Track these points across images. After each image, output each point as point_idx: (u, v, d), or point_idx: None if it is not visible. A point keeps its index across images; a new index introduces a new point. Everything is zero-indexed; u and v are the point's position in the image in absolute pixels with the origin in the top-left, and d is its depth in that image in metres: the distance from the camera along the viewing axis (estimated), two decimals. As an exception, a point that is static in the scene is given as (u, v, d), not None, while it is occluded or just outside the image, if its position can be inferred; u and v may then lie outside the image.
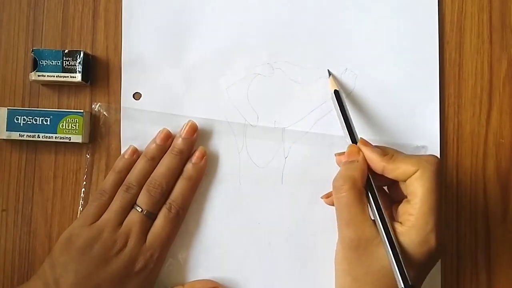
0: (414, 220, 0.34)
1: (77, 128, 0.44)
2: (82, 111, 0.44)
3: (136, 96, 0.45)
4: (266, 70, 0.44)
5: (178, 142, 0.42)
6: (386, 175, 0.36)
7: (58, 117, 0.44)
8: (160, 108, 0.45)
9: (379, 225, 0.34)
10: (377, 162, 0.36)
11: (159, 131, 0.43)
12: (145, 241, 0.40)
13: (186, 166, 0.43)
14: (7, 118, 0.44)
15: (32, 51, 0.44)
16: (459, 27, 0.45)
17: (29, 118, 0.44)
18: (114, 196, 0.41)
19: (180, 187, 0.42)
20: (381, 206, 0.35)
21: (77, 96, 0.46)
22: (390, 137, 0.44)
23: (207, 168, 0.44)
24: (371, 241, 0.34)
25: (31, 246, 0.45)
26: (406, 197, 0.36)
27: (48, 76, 0.44)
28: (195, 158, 0.43)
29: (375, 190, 0.36)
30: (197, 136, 0.43)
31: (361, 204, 0.35)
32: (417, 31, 0.44)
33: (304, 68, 0.44)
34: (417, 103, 0.44)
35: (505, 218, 0.44)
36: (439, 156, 0.43)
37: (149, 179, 0.42)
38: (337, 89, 0.41)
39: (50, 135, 0.44)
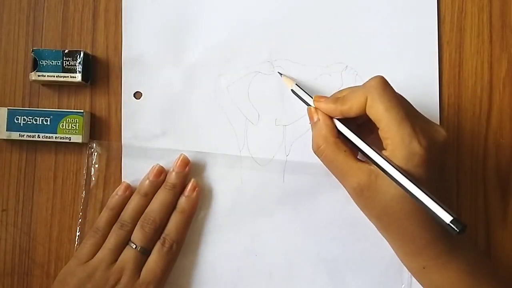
0: (390, 142, 0.34)
1: (77, 128, 0.44)
2: (82, 111, 0.44)
3: (137, 95, 0.45)
4: (267, 68, 0.44)
5: (171, 177, 0.43)
6: (348, 117, 0.37)
7: (58, 117, 0.44)
8: (161, 107, 0.45)
9: (374, 158, 0.35)
10: (333, 111, 0.37)
11: (152, 168, 0.43)
12: (139, 277, 0.40)
13: (179, 200, 0.43)
14: (7, 118, 0.44)
15: (32, 51, 0.44)
16: (459, 27, 0.45)
17: (29, 118, 0.44)
18: (108, 234, 0.42)
19: (174, 221, 0.42)
20: (363, 140, 0.36)
21: (77, 96, 0.46)
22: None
23: (208, 169, 0.44)
24: (370, 180, 0.35)
25: (31, 246, 0.45)
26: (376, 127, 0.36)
27: (48, 76, 0.44)
28: (187, 191, 0.43)
29: (350, 130, 0.37)
30: (189, 170, 0.44)
31: (342, 152, 0.36)
32: (416, 30, 0.44)
33: (305, 65, 0.44)
34: (417, 102, 0.44)
35: (505, 218, 0.44)
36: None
37: (143, 215, 0.42)
38: (293, 85, 0.42)
39: (50, 135, 0.44)
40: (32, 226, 0.45)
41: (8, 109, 0.44)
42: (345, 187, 0.37)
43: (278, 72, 0.44)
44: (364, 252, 0.43)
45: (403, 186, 0.33)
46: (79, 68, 0.44)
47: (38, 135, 0.44)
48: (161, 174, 0.43)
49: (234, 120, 0.44)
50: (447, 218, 0.31)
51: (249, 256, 0.44)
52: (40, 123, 0.44)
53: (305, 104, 0.41)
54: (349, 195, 0.37)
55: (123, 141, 0.45)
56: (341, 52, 0.44)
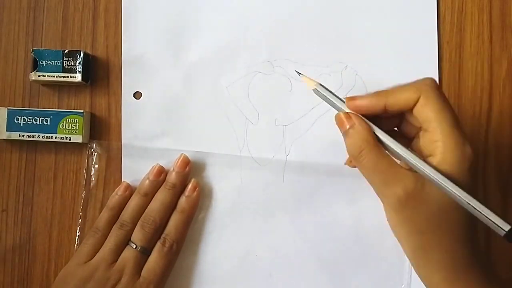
0: (442, 144, 0.32)
1: (77, 128, 0.44)
2: (82, 111, 0.44)
3: (137, 95, 0.45)
4: (267, 68, 0.44)
5: (172, 177, 0.43)
6: (391, 111, 0.34)
7: (58, 117, 0.44)
8: (161, 107, 0.45)
9: (421, 167, 0.32)
10: (376, 104, 0.34)
11: (152, 167, 0.43)
12: (139, 277, 0.40)
13: (180, 200, 0.43)
14: (7, 118, 0.44)
15: (32, 51, 0.44)
16: (459, 27, 0.45)
17: (29, 118, 0.44)
18: (108, 234, 0.42)
19: (174, 220, 0.42)
20: (406, 148, 0.33)
21: (77, 96, 0.46)
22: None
23: (208, 169, 0.44)
24: (417, 188, 0.32)
25: (31, 246, 0.45)
26: (419, 130, 0.34)
27: (48, 76, 0.44)
28: (187, 191, 0.43)
29: (388, 136, 0.34)
30: (189, 170, 0.44)
31: (386, 157, 0.33)
32: (416, 30, 0.44)
33: (305, 65, 0.44)
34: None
35: (505, 218, 0.44)
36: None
37: (143, 215, 0.42)
38: (317, 84, 0.38)
39: (50, 135, 0.44)
40: (32, 226, 0.45)
41: (8, 109, 0.44)
42: (384, 196, 0.33)
43: (296, 71, 0.40)
44: (364, 252, 0.43)
45: (456, 194, 0.31)
46: (79, 68, 0.44)
47: (38, 135, 0.44)
48: (161, 174, 0.43)
49: (234, 120, 0.44)
50: (505, 227, 0.29)
51: (249, 256, 0.44)
52: (40, 123, 0.44)
53: (330, 105, 0.37)
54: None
55: (123, 141, 0.45)
56: (341, 52, 0.44)
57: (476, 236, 0.33)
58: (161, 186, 0.43)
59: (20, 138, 0.44)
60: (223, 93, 0.45)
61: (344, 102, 0.35)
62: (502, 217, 0.30)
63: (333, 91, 0.37)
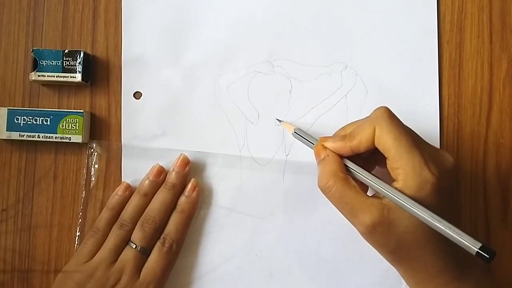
0: (402, 171, 0.33)
1: (77, 128, 0.44)
2: (82, 111, 0.44)
3: (137, 95, 0.45)
4: (266, 68, 0.44)
5: (171, 177, 0.43)
6: (358, 153, 0.36)
7: (58, 117, 0.44)
8: (161, 107, 0.45)
9: (387, 192, 0.34)
10: (342, 148, 0.36)
11: (152, 167, 0.43)
12: (139, 277, 0.40)
13: (180, 200, 0.43)
14: (7, 118, 0.44)
15: (32, 51, 0.44)
16: (459, 27, 0.45)
17: (29, 118, 0.44)
18: (108, 234, 0.42)
19: (173, 220, 0.42)
20: (374, 175, 0.35)
21: (77, 96, 0.46)
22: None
23: (208, 169, 0.44)
24: (383, 215, 0.34)
25: (31, 246, 0.45)
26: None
27: (48, 76, 0.44)
28: (187, 191, 0.43)
29: (359, 166, 0.36)
30: (189, 170, 0.44)
31: (352, 188, 0.35)
32: (416, 30, 0.44)
33: (304, 65, 0.44)
34: (417, 102, 0.44)
35: (505, 218, 0.44)
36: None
37: (143, 215, 0.42)
38: (295, 128, 0.42)
39: (50, 135, 0.44)
40: (32, 226, 0.45)
41: (8, 109, 0.44)
42: (354, 224, 0.35)
43: (277, 119, 0.44)
44: (364, 252, 0.43)
45: (425, 218, 0.32)
46: (79, 68, 0.44)
47: (38, 135, 0.44)
48: (161, 174, 0.43)
49: (234, 120, 0.44)
50: (476, 245, 0.30)
51: (249, 256, 0.44)
52: (40, 123, 0.44)
53: (309, 147, 0.40)
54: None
55: (123, 141, 0.45)
56: (341, 52, 0.44)
57: (455, 247, 0.33)
58: (161, 186, 0.43)
59: (20, 138, 0.44)
60: (223, 93, 0.45)
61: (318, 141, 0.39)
62: (472, 236, 0.31)
63: (309, 134, 0.41)
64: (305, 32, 0.45)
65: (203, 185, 0.44)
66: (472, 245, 0.30)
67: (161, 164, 0.43)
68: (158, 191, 0.43)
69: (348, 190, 0.35)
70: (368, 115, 0.36)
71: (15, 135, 0.44)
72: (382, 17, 0.44)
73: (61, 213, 0.45)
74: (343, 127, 0.39)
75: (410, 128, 0.36)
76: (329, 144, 0.37)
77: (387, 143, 0.34)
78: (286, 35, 0.45)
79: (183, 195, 0.43)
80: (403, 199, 0.33)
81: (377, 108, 0.36)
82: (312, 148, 0.39)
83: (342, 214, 0.36)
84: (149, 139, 0.44)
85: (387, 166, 0.35)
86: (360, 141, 0.35)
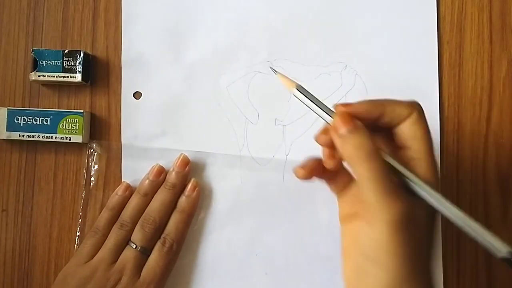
0: (424, 163, 0.31)
1: (77, 128, 0.44)
2: (82, 111, 0.44)
3: (137, 95, 0.45)
4: (266, 68, 0.44)
5: (171, 177, 0.43)
6: (382, 122, 0.32)
7: (58, 117, 0.44)
8: (160, 107, 0.45)
9: (425, 193, 0.30)
10: (373, 111, 0.31)
11: (152, 167, 0.43)
12: (139, 277, 0.40)
13: (180, 200, 0.43)
14: (7, 118, 0.44)
15: (32, 51, 0.44)
16: (459, 27, 0.45)
17: (29, 118, 0.44)
18: (108, 234, 0.42)
19: (174, 220, 0.42)
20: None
21: (77, 96, 0.46)
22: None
23: (207, 169, 0.44)
24: (414, 210, 0.29)
25: (31, 246, 0.45)
26: (395, 147, 0.32)
27: (48, 76, 0.44)
28: (187, 190, 0.43)
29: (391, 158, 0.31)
30: (189, 170, 0.44)
31: (391, 175, 0.30)
32: (416, 30, 0.44)
33: (304, 65, 0.44)
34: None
35: (505, 218, 0.44)
36: (439, 158, 0.43)
37: (143, 215, 0.42)
38: (297, 85, 0.35)
39: (50, 135, 0.44)
40: (32, 226, 0.45)
41: (8, 109, 0.44)
42: (382, 211, 0.29)
43: (270, 67, 0.39)
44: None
45: (460, 216, 0.30)
46: (79, 68, 0.44)
47: (38, 135, 0.44)
48: (161, 174, 0.43)
49: (233, 120, 0.44)
50: (504, 248, 0.28)
51: (249, 255, 0.44)
52: (40, 123, 0.44)
53: (317, 113, 0.34)
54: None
55: (123, 141, 0.45)
56: (340, 51, 0.44)
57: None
58: (161, 186, 0.43)
59: (20, 138, 0.44)
60: (223, 93, 0.45)
61: (328, 108, 0.33)
62: (502, 240, 0.28)
63: (312, 94, 0.34)
64: (305, 32, 0.45)
65: (203, 185, 0.44)
66: (501, 248, 0.28)
67: (161, 164, 0.43)
68: (158, 191, 0.43)
69: (387, 169, 0.30)
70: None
71: (15, 135, 0.44)
72: (382, 17, 0.44)
73: (61, 213, 0.45)
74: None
75: None
76: (355, 107, 0.31)
77: (419, 132, 0.31)
78: (286, 35, 0.45)
79: (183, 195, 0.43)
80: (436, 195, 0.30)
81: (411, 100, 0.32)
82: (321, 113, 0.33)
83: (369, 195, 0.29)
84: (149, 139, 0.45)
85: (398, 156, 0.32)
86: (393, 112, 0.31)
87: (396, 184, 0.30)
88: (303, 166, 0.35)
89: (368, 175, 0.29)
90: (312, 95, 0.33)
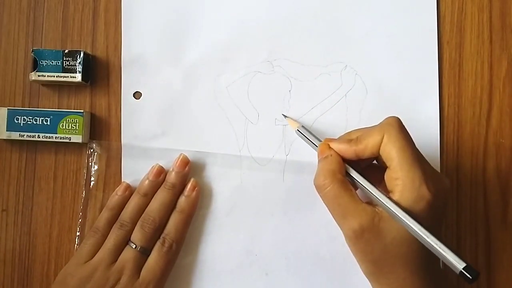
0: (401, 182, 0.34)
1: (77, 128, 0.44)
2: (82, 111, 0.44)
3: (136, 95, 0.45)
4: (266, 68, 0.44)
5: (171, 177, 0.43)
6: (361, 158, 0.36)
7: (58, 117, 0.44)
8: (160, 107, 0.45)
9: (383, 202, 0.34)
10: (347, 151, 0.36)
11: (151, 167, 0.43)
12: (139, 277, 0.40)
13: (179, 200, 0.43)
14: (7, 118, 0.44)
15: (32, 51, 0.44)
16: (459, 27, 0.45)
17: (29, 118, 0.44)
18: (108, 234, 0.42)
19: (173, 220, 0.42)
20: (371, 184, 0.35)
21: (77, 96, 0.46)
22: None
23: (207, 169, 0.44)
24: (373, 223, 0.34)
25: (31, 246, 0.45)
26: (386, 168, 0.36)
27: (48, 76, 0.44)
28: (187, 190, 0.43)
29: (358, 173, 0.36)
30: (189, 170, 0.44)
31: (348, 191, 0.35)
32: (416, 30, 0.44)
33: (304, 65, 0.44)
34: (416, 102, 0.44)
35: (505, 218, 0.44)
36: (439, 158, 0.43)
37: (142, 215, 0.42)
38: (299, 126, 0.42)
39: (50, 135, 0.44)
40: (32, 226, 0.45)
41: (8, 109, 0.44)
42: (342, 227, 0.36)
43: (283, 114, 0.44)
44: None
45: (415, 231, 0.32)
46: (79, 68, 0.44)
47: (38, 135, 0.44)
48: (160, 174, 0.43)
49: (233, 120, 0.44)
50: (460, 265, 0.30)
51: (248, 255, 0.44)
52: (40, 123, 0.44)
53: (311, 146, 0.41)
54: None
55: (123, 141, 0.45)
56: (340, 51, 0.44)
57: (435, 269, 0.34)
58: (160, 186, 0.43)
59: (20, 138, 0.44)
60: (223, 93, 0.45)
61: (319, 141, 0.39)
62: (458, 255, 0.31)
63: (313, 133, 0.41)
64: (304, 32, 0.45)
65: (203, 185, 0.44)
66: (456, 264, 0.31)
67: (161, 164, 0.43)
68: (158, 191, 0.43)
69: (343, 192, 0.35)
70: (378, 123, 0.37)
71: (15, 135, 0.44)
72: (382, 17, 0.44)
73: (61, 213, 0.45)
74: (348, 132, 0.39)
75: (415, 144, 0.36)
76: (334, 145, 0.37)
77: (392, 152, 0.34)
78: (286, 35, 0.45)
79: (183, 195, 0.43)
80: (396, 209, 0.33)
81: (388, 117, 0.36)
82: (315, 148, 0.39)
83: (332, 215, 0.36)
84: (149, 139, 0.44)
85: (386, 176, 0.35)
86: (366, 146, 0.35)
87: (352, 203, 0.35)
88: None
89: (323, 200, 0.36)
90: (308, 135, 0.41)
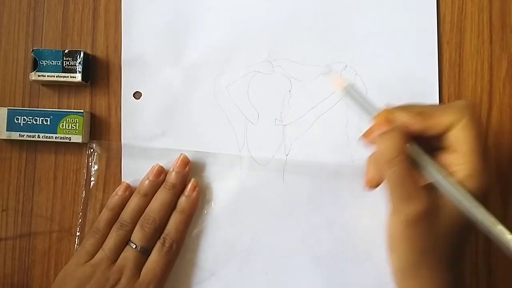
0: (468, 167, 0.32)
1: (77, 128, 0.44)
2: (82, 111, 0.44)
3: (136, 95, 0.45)
4: (266, 68, 0.44)
5: (171, 177, 0.43)
6: (426, 134, 0.33)
7: (58, 117, 0.44)
8: (160, 107, 0.45)
9: (450, 190, 0.32)
10: (414, 124, 0.33)
11: (152, 167, 0.43)
12: (139, 277, 0.40)
13: (179, 200, 0.43)
14: (7, 118, 0.44)
15: (32, 51, 0.44)
16: (459, 27, 0.45)
17: (29, 118, 0.44)
18: (108, 234, 0.42)
19: (173, 220, 0.42)
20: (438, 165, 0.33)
21: (77, 96, 0.46)
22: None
23: (207, 169, 0.44)
24: (433, 208, 0.32)
25: (31, 246, 0.45)
26: (441, 146, 0.34)
27: (48, 76, 0.44)
28: (187, 190, 0.43)
29: (426, 155, 0.33)
30: (189, 170, 0.44)
31: (412, 173, 0.33)
32: (416, 30, 0.44)
33: (304, 65, 0.44)
34: (416, 102, 0.44)
35: (505, 218, 0.44)
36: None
37: (143, 215, 0.42)
38: (348, 84, 0.36)
39: (50, 135, 0.44)
40: (32, 226, 0.45)
41: (8, 109, 0.44)
42: (398, 211, 0.33)
43: (328, 66, 0.41)
44: (363, 252, 0.43)
45: (480, 216, 0.31)
46: (79, 68, 0.44)
47: (38, 135, 0.44)
48: (160, 174, 0.43)
49: (233, 120, 0.44)
50: None
51: (248, 255, 0.44)
52: (40, 123, 0.44)
53: (363, 113, 0.35)
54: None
55: (123, 141, 0.45)
56: (340, 51, 0.44)
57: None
58: (161, 186, 0.43)
59: (20, 138, 0.44)
60: (223, 93, 0.45)
61: (375, 108, 0.35)
62: None
63: (364, 97, 0.35)
64: (304, 32, 0.45)
65: (203, 185, 0.44)
66: None
67: (161, 164, 0.43)
68: (158, 191, 0.43)
69: (410, 172, 0.32)
70: (449, 103, 0.34)
71: (15, 135, 0.44)
72: (382, 16, 0.44)
73: (61, 213, 0.45)
74: (405, 105, 0.34)
75: None
76: (401, 116, 0.33)
77: (468, 137, 0.32)
78: (286, 35, 0.45)
79: (183, 195, 0.43)
80: (463, 194, 0.31)
81: (463, 101, 0.34)
82: (369, 115, 0.35)
83: (391, 196, 0.33)
84: (149, 139, 0.45)
85: (448, 159, 0.33)
86: (438, 123, 0.33)
87: (415, 185, 0.32)
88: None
89: (388, 178, 0.33)
90: (361, 96, 0.35)
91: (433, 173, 0.33)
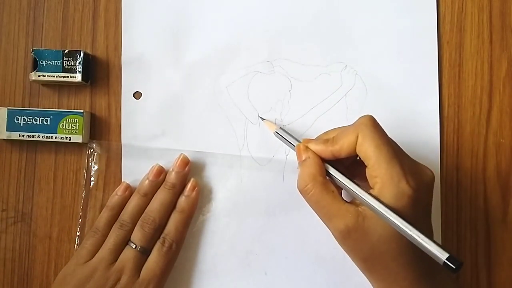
0: (380, 180, 0.34)
1: (77, 128, 0.44)
2: (82, 111, 0.44)
3: (136, 95, 0.45)
4: (266, 68, 0.44)
5: (171, 177, 0.43)
6: (339, 158, 0.36)
7: (58, 117, 0.44)
8: (160, 107, 0.45)
9: (363, 198, 0.34)
10: (324, 151, 0.37)
11: (151, 167, 0.43)
12: (139, 277, 0.40)
13: (179, 200, 0.43)
14: (7, 118, 0.44)
15: (32, 51, 0.44)
16: (459, 27, 0.45)
17: (29, 118, 0.44)
18: (108, 234, 0.42)
19: (173, 220, 0.42)
20: (353, 181, 0.35)
21: (77, 96, 0.46)
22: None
23: (207, 169, 0.44)
24: (358, 222, 0.34)
25: (31, 246, 0.45)
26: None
27: (48, 76, 0.44)
28: (187, 190, 0.43)
29: (338, 171, 0.36)
30: (189, 170, 0.44)
31: (330, 193, 0.35)
32: (416, 30, 0.44)
33: (304, 65, 0.44)
34: (417, 102, 0.44)
35: (505, 218, 0.44)
36: (439, 158, 0.43)
37: (142, 215, 0.42)
38: (277, 128, 0.42)
39: (50, 135, 0.44)
40: (32, 226, 0.45)
41: (8, 109, 0.44)
42: (330, 229, 0.36)
43: (260, 117, 0.44)
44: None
45: (398, 226, 0.32)
46: (79, 68, 0.44)
47: (38, 135, 0.44)
48: (160, 174, 0.43)
49: (234, 120, 0.44)
50: (443, 255, 0.30)
51: (248, 255, 0.44)
52: (40, 123, 0.44)
53: (290, 148, 0.41)
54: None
55: (123, 141, 0.45)
56: (340, 51, 0.44)
57: (430, 261, 0.33)
58: (160, 186, 0.43)
59: (20, 138, 0.44)
60: (223, 93, 0.45)
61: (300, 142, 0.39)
62: (441, 246, 0.31)
63: (291, 134, 0.41)
64: (304, 32, 0.45)
65: (203, 185, 0.44)
66: (439, 255, 0.31)
67: (161, 164, 0.43)
68: (158, 191, 0.43)
69: (325, 194, 0.35)
70: (352, 123, 0.37)
71: (15, 135, 0.44)
72: (382, 17, 0.44)
73: (61, 213, 0.45)
74: (326, 132, 0.39)
75: (392, 140, 0.36)
76: (311, 146, 0.37)
77: (368, 150, 0.34)
78: (286, 35, 0.45)
79: (183, 195, 0.43)
80: (378, 206, 0.33)
81: (362, 116, 0.36)
82: (293, 149, 0.39)
83: (319, 217, 0.36)
84: (149, 139, 0.45)
85: (366, 174, 0.35)
86: (342, 146, 0.36)
87: (336, 203, 0.35)
88: None
89: (308, 203, 0.37)
90: (287, 137, 0.41)
91: (349, 190, 0.35)
